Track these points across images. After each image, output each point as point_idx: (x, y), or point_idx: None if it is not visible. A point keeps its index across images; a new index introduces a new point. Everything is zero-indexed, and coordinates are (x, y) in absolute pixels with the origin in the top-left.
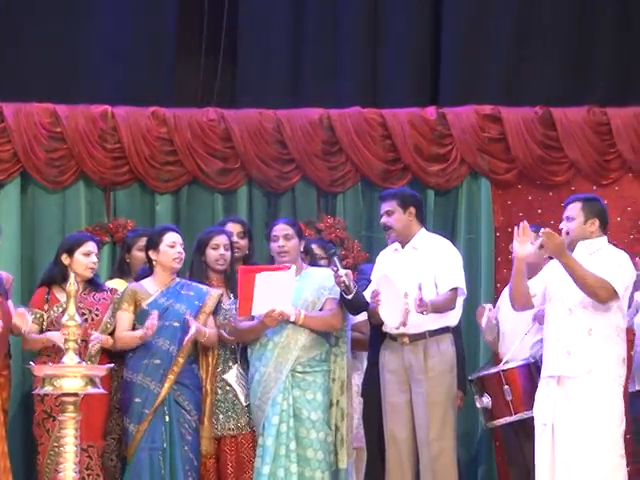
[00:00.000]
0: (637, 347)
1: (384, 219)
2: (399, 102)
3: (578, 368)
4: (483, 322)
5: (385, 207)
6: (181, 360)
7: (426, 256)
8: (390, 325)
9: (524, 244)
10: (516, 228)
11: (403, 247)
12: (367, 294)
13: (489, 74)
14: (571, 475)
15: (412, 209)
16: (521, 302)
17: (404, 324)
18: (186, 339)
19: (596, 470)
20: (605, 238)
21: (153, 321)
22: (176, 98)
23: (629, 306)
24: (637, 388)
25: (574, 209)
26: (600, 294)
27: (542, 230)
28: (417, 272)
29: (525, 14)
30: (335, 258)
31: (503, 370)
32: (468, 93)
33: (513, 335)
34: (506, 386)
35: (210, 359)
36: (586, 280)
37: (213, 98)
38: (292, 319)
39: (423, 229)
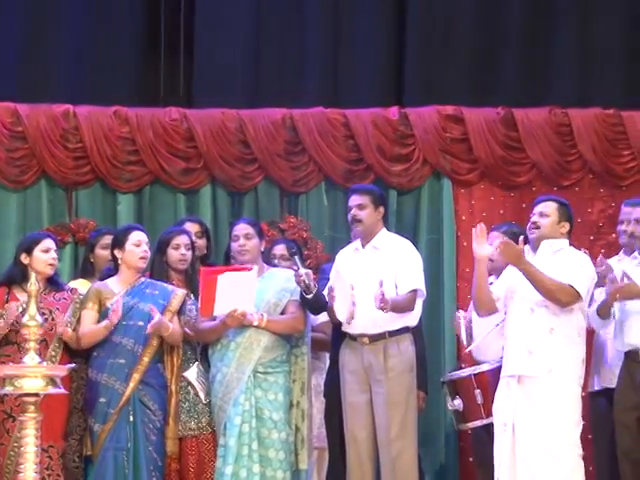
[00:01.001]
0: (596, 345)
1: (355, 211)
2: (362, 102)
3: (539, 367)
4: (462, 334)
5: (357, 200)
6: (146, 359)
7: (387, 256)
8: (341, 320)
9: (482, 244)
10: (474, 230)
11: (364, 247)
12: (326, 293)
13: (452, 75)
14: (531, 475)
15: (382, 209)
16: (485, 307)
17: (351, 317)
18: (149, 325)
19: (556, 470)
20: (568, 242)
21: (117, 308)
22: (138, 98)
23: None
24: (596, 388)
25: (550, 207)
26: (561, 298)
27: (497, 242)
28: (377, 272)
29: (488, 15)
30: (296, 257)
31: (474, 373)
32: (431, 93)
33: (482, 336)
34: (477, 389)
35: (175, 359)
36: (546, 285)
37: (175, 98)
38: (255, 324)
39: (385, 229)
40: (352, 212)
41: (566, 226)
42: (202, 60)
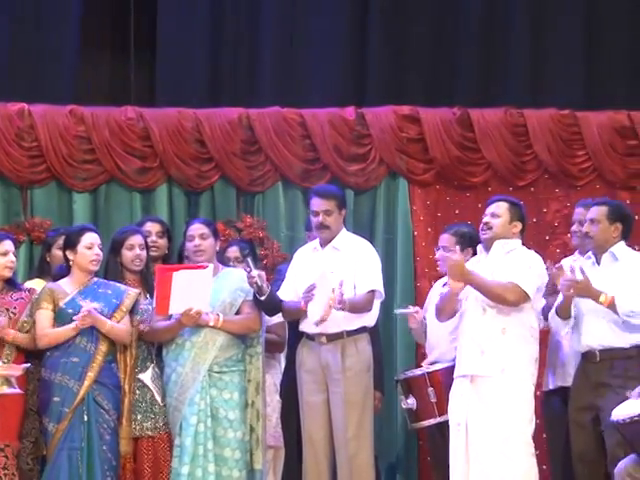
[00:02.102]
0: (551, 345)
1: (322, 218)
2: (319, 102)
3: (491, 367)
4: (398, 311)
5: (324, 205)
6: (100, 358)
7: (347, 257)
8: (311, 320)
9: (456, 279)
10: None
11: (323, 247)
12: (282, 293)
13: (409, 75)
14: (485, 474)
15: (344, 211)
16: (448, 315)
17: (323, 320)
18: (76, 317)
19: (509, 469)
20: (520, 241)
21: (87, 308)
22: (94, 96)
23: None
24: (551, 387)
25: (501, 207)
26: (508, 298)
27: (443, 242)
28: (337, 272)
29: (444, 16)
30: (249, 259)
31: (428, 372)
32: (388, 94)
33: (439, 336)
34: (430, 388)
35: (128, 359)
36: (492, 290)
37: (132, 97)
38: (211, 324)
39: (344, 229)
40: (319, 218)
41: (518, 226)
42: (161, 60)
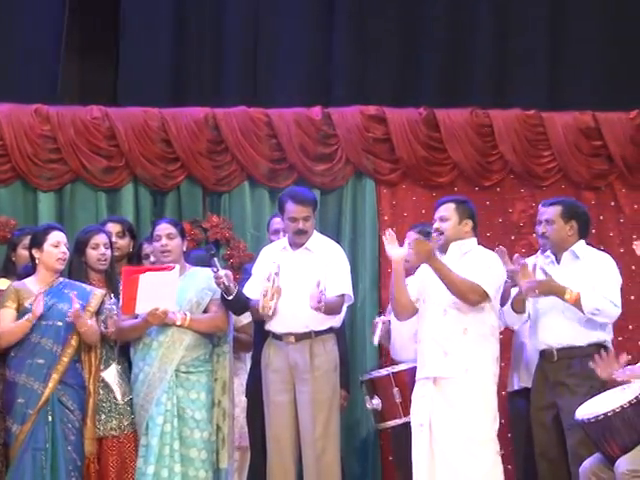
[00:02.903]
0: (515, 345)
1: (302, 225)
2: (286, 102)
3: (455, 368)
4: (376, 340)
5: (304, 212)
6: (65, 359)
7: (319, 259)
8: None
9: (393, 245)
10: (384, 235)
11: (295, 248)
12: (247, 291)
13: (375, 75)
14: (450, 474)
15: (316, 213)
16: (405, 310)
17: (264, 309)
18: (70, 312)
19: (474, 468)
20: (475, 240)
21: (39, 302)
22: (60, 96)
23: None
24: (515, 388)
25: (449, 209)
26: (470, 297)
27: (409, 239)
28: (309, 273)
29: (410, 16)
30: (215, 259)
31: (393, 372)
32: (354, 94)
33: (404, 337)
34: (396, 388)
35: (93, 359)
36: (456, 284)
37: (97, 96)
38: (178, 323)
39: (316, 231)
40: (299, 225)
41: (469, 224)
42: (129, 59)
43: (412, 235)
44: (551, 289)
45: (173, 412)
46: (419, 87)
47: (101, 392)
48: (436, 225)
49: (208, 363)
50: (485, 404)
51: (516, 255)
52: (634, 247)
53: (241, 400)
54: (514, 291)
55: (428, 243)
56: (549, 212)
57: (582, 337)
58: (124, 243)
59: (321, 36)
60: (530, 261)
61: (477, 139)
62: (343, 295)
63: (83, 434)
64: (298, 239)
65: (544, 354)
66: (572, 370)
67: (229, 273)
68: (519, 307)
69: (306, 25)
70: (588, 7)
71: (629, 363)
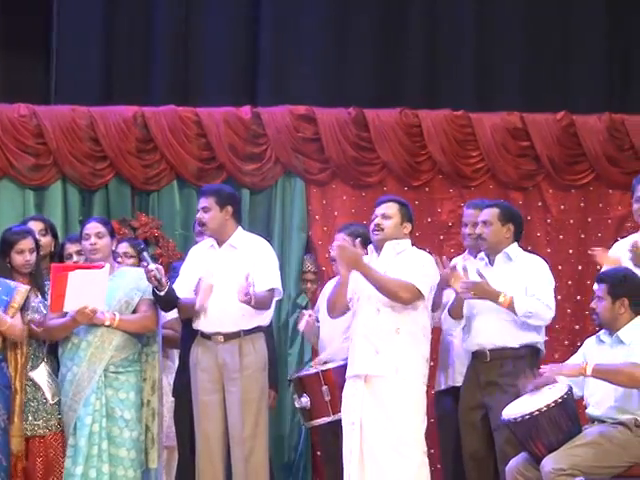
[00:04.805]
0: (442, 344)
1: (200, 215)
2: (215, 101)
3: (385, 367)
4: (301, 326)
5: (202, 203)
6: None
7: (244, 255)
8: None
9: (350, 267)
10: (334, 247)
11: (220, 245)
12: (177, 287)
13: (304, 75)
14: (378, 472)
15: (229, 208)
16: (339, 309)
17: (201, 306)
18: None
19: (402, 467)
20: (410, 241)
21: None
22: None
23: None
24: (442, 387)
25: (393, 208)
26: (403, 296)
27: (335, 244)
28: (235, 270)
29: (339, 15)
30: (144, 253)
31: (322, 370)
32: (284, 93)
33: (332, 335)
34: (325, 386)
35: (19, 357)
36: (387, 286)
37: (26, 95)
38: (107, 323)
39: (240, 228)
40: (198, 216)
41: (408, 227)
42: (58, 58)
43: (341, 237)
44: (485, 292)
45: (102, 412)
46: (349, 87)
47: (28, 391)
48: (378, 221)
49: (137, 363)
50: (414, 404)
51: (444, 257)
52: (590, 252)
53: (168, 399)
54: (447, 296)
55: (353, 250)
56: (486, 214)
57: (515, 338)
58: (46, 241)
59: (250, 35)
60: (458, 261)
61: (406, 139)
62: (272, 289)
63: (9, 433)
64: (203, 230)
65: (477, 354)
66: (504, 370)
67: (160, 267)
68: (457, 314)
69: (235, 24)
70: (515, 8)
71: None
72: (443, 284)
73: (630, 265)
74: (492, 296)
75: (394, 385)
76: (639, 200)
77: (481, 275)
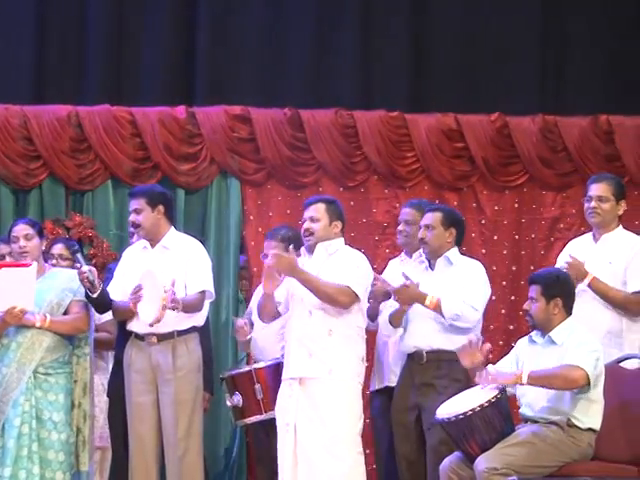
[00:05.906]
0: (377, 345)
1: (132, 217)
2: (150, 101)
3: (319, 369)
4: (242, 339)
5: (133, 205)
6: None
7: (177, 256)
8: (145, 321)
9: (286, 274)
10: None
11: (153, 246)
12: (110, 290)
13: (240, 75)
14: (312, 473)
15: (161, 207)
16: (269, 314)
17: (158, 320)
18: None
19: (335, 469)
20: (342, 240)
21: None
22: None
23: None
24: (377, 387)
25: (319, 210)
26: (340, 300)
27: (270, 252)
28: (168, 271)
29: (276, 15)
30: (78, 255)
31: (255, 369)
32: (219, 93)
33: (265, 335)
34: (257, 385)
35: None
36: (324, 291)
37: None
38: (38, 325)
39: (173, 228)
40: (130, 218)
41: (338, 225)
42: None
43: (271, 244)
44: (411, 297)
45: (31, 414)
46: (284, 87)
47: None
48: (307, 225)
49: (67, 365)
50: (347, 404)
51: (373, 274)
52: (569, 258)
53: (101, 400)
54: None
55: (287, 257)
56: (429, 218)
57: (449, 341)
58: None
59: (185, 35)
60: (395, 263)
61: (341, 140)
62: (204, 292)
63: None
64: (136, 232)
65: (413, 356)
66: (440, 372)
67: (93, 269)
68: (397, 322)
69: (170, 24)
70: (450, 9)
71: (489, 362)
72: (380, 297)
73: None
74: (419, 299)
75: (327, 386)
76: (590, 199)
77: (407, 277)
